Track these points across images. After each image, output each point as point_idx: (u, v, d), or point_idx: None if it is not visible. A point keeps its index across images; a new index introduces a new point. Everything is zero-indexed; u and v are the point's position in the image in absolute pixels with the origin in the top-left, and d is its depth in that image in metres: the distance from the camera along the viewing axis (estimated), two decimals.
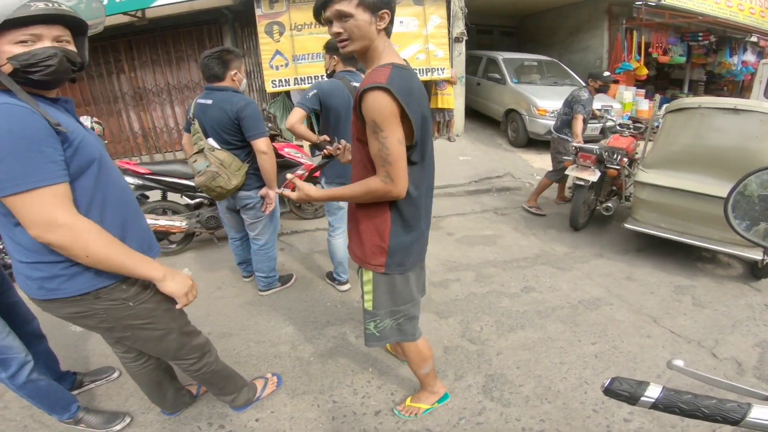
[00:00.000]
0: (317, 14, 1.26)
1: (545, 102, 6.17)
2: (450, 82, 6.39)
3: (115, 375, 2.13)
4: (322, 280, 3.05)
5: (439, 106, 6.45)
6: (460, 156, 5.92)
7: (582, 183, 3.63)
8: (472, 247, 3.57)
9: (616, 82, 7.60)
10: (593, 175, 3.57)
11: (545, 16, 9.98)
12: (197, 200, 3.50)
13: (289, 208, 4.04)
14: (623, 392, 0.62)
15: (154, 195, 3.55)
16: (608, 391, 0.62)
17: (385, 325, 1.59)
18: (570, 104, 4.02)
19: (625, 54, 8.13)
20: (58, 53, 1.08)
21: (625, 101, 7.54)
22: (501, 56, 7.50)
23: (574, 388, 2.01)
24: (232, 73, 2.29)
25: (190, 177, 3.25)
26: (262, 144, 2.28)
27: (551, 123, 5.93)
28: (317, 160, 2.61)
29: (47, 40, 1.08)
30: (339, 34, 1.22)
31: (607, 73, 4.05)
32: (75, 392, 1.97)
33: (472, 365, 2.18)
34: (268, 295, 2.86)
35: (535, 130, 6.27)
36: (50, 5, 1.06)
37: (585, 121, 4.01)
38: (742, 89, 9.59)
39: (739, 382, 0.73)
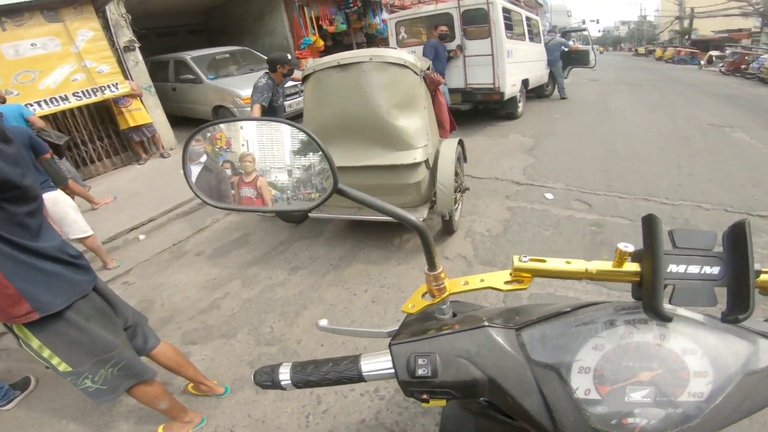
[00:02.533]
0: None
1: (247, 91, 6.14)
2: (134, 95, 5.60)
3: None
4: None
5: (131, 124, 5.60)
6: (181, 170, 5.36)
7: None
8: (227, 255, 3.40)
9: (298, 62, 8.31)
10: None
11: (230, 7, 9.87)
12: None
13: None
14: (266, 382, 0.59)
15: None
16: (260, 385, 0.59)
17: (104, 375, 1.44)
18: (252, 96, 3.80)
19: (303, 30, 8.88)
20: None
21: None
22: (189, 55, 7.11)
23: (374, 342, 2.18)
24: None
25: None
26: None
27: None
28: None
29: None
30: None
31: (289, 56, 3.83)
32: None
33: None
34: (15, 406, 2.15)
35: None
36: None
37: (266, 109, 3.72)
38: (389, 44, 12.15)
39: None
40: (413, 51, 5.61)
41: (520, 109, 6.83)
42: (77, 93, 5.22)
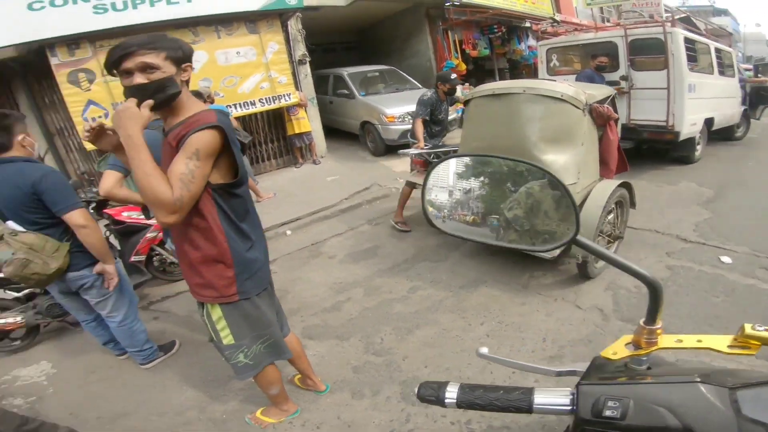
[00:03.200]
0: (114, 65, 1.24)
1: (392, 109, 6.59)
2: (301, 105, 6.42)
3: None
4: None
5: (296, 131, 6.42)
6: (328, 177, 5.99)
7: (418, 187, 3.65)
8: (356, 263, 3.62)
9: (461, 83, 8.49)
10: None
11: (381, 27, 10.57)
12: (26, 291, 2.90)
13: (152, 275, 3.60)
14: (430, 397, 0.64)
15: None
16: (421, 398, 0.64)
17: (255, 351, 1.63)
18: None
19: (446, 53, 9.08)
20: None
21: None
22: (346, 72, 7.76)
23: (480, 371, 2.15)
24: (19, 138, 1.96)
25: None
26: (76, 218, 1.98)
27: (401, 128, 6.35)
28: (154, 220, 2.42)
29: None
30: (143, 84, 1.23)
31: (453, 76, 4.04)
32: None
33: (384, 377, 2.22)
34: (153, 367, 2.59)
35: (389, 137, 6.63)
36: None
37: (428, 123, 4.05)
38: (535, 72, 11.58)
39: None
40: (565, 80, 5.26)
41: (698, 153, 5.72)
42: (262, 99, 6.13)
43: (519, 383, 1.88)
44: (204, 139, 1.24)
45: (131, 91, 1.23)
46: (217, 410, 2.20)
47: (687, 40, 5.12)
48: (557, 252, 2.68)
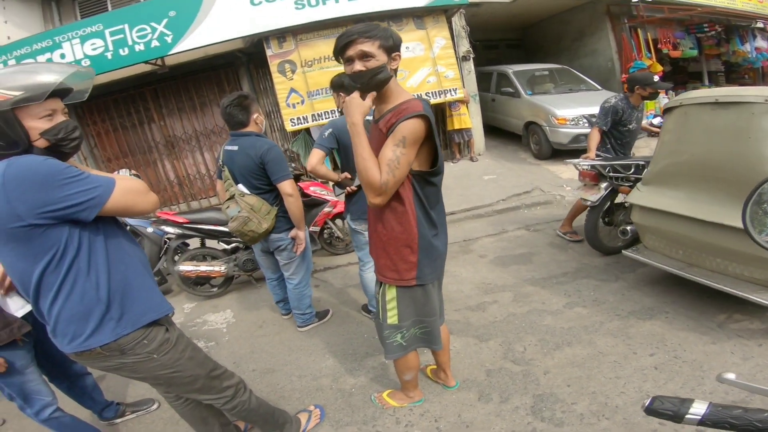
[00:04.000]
0: (340, 52, 1.36)
1: (564, 111, 6.12)
2: (463, 101, 6.44)
3: (154, 407, 2.37)
4: (358, 313, 3.08)
5: (456, 127, 6.48)
6: (485, 175, 5.89)
7: (588, 204, 3.34)
8: (507, 267, 3.51)
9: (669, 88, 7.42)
10: (595, 195, 3.27)
11: (547, 25, 10.03)
12: (233, 245, 3.61)
13: (320, 246, 4.10)
14: (666, 411, 0.61)
15: (194, 242, 3.70)
16: (650, 411, 0.62)
17: (411, 334, 1.69)
18: None
19: (635, 53, 8.05)
20: (77, 126, 1.20)
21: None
22: (511, 69, 7.52)
23: (634, 403, 1.93)
24: (254, 117, 2.39)
25: (224, 223, 3.38)
26: (287, 186, 2.35)
27: (574, 131, 5.94)
28: (341, 197, 2.70)
29: (60, 114, 1.19)
30: (361, 71, 1.33)
31: (656, 78, 3.51)
32: (117, 421, 2.30)
33: (517, 386, 2.14)
34: (306, 331, 2.93)
35: (557, 140, 6.20)
36: (58, 78, 1.15)
37: (611, 134, 3.58)
38: (763, 76, 9.36)
39: None
40: None
41: None
42: (429, 93, 6.30)
43: None
44: (411, 128, 1.31)
45: (352, 78, 1.35)
46: (348, 382, 2.34)
47: None
48: None
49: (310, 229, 3.80)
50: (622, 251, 2.98)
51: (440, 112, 6.76)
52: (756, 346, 2.24)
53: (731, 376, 0.72)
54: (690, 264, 2.59)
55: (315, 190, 3.79)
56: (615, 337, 2.44)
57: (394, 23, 6.12)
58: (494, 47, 11.41)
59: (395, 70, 1.41)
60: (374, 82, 1.34)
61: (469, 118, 6.53)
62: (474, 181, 5.66)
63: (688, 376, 2.08)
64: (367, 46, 1.31)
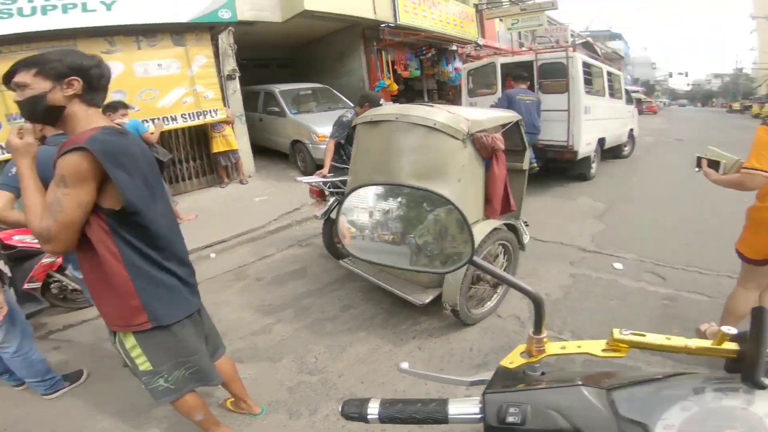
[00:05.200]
0: (6, 83, 1.26)
1: (323, 128, 6.56)
2: (228, 122, 6.23)
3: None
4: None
5: (222, 149, 6.21)
6: (256, 197, 5.86)
7: (318, 217, 3.53)
8: (284, 285, 3.57)
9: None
10: (321, 209, 3.46)
11: (316, 46, 10.55)
12: None
13: (50, 303, 3.26)
14: (353, 414, 0.64)
15: None
16: (345, 415, 0.65)
17: (177, 377, 1.56)
18: None
19: (379, 73, 9.35)
20: None
21: None
22: (277, 89, 7.65)
23: (414, 385, 2.21)
24: None
25: None
26: None
27: None
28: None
29: None
30: (18, 102, 1.24)
31: (382, 101, 3.82)
32: None
33: (320, 396, 2.22)
34: (58, 397, 2.41)
35: (320, 157, 6.52)
36: None
37: (343, 146, 3.80)
38: (461, 93, 12.33)
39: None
40: (493, 104, 5.59)
41: (593, 171, 6.47)
42: (185, 114, 5.82)
43: (451, 393, 1.99)
44: (68, 164, 1.18)
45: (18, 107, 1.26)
46: None
47: (584, 64, 5.68)
48: (428, 299, 2.59)
49: (30, 285, 2.98)
50: (339, 261, 3.24)
51: (203, 134, 6.37)
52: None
53: (405, 365, 0.82)
54: (380, 270, 2.84)
55: (23, 239, 2.98)
56: (384, 328, 2.78)
57: (146, 38, 5.43)
58: (266, 66, 11.43)
59: (76, 96, 1.27)
60: (33, 113, 1.25)
61: (235, 139, 6.35)
62: (245, 203, 5.55)
63: (443, 349, 2.51)
64: (21, 76, 1.21)
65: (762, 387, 0.51)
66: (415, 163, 2.44)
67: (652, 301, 2.97)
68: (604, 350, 0.65)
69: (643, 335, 0.63)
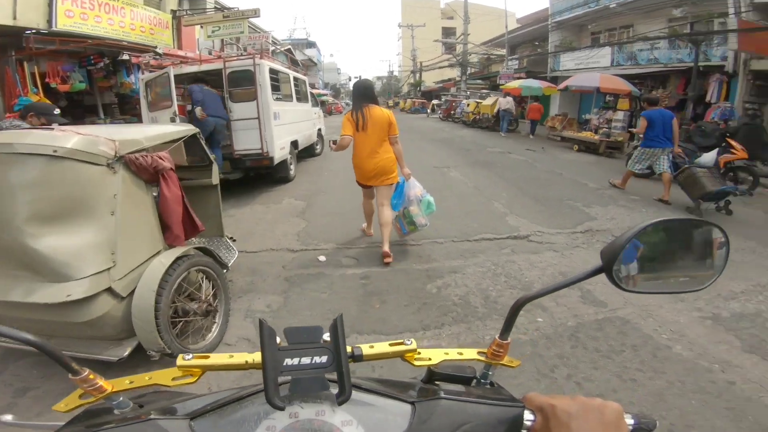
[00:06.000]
0: None
1: None
2: None
3: None
4: None
5: None
6: None
7: None
8: None
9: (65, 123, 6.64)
10: None
11: None
12: None
13: None
14: None
15: None
16: None
17: None
18: None
19: (20, 88, 7.23)
20: None
21: None
22: None
23: None
24: None
25: None
26: None
27: None
28: None
29: None
30: None
31: (56, 110, 3.64)
32: None
33: None
34: None
35: None
36: None
37: None
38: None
39: None
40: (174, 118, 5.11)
41: (292, 172, 7.04)
42: None
43: None
44: None
45: None
46: None
47: (272, 71, 5.97)
48: (126, 352, 2.18)
49: None
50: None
51: None
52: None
53: (8, 417, 0.63)
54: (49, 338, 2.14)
55: None
56: None
57: None
58: None
59: None
60: None
61: None
62: None
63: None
64: None
65: (278, 408, 0.50)
66: (37, 202, 1.88)
67: (353, 283, 3.36)
68: (175, 378, 0.61)
69: (207, 356, 0.61)
